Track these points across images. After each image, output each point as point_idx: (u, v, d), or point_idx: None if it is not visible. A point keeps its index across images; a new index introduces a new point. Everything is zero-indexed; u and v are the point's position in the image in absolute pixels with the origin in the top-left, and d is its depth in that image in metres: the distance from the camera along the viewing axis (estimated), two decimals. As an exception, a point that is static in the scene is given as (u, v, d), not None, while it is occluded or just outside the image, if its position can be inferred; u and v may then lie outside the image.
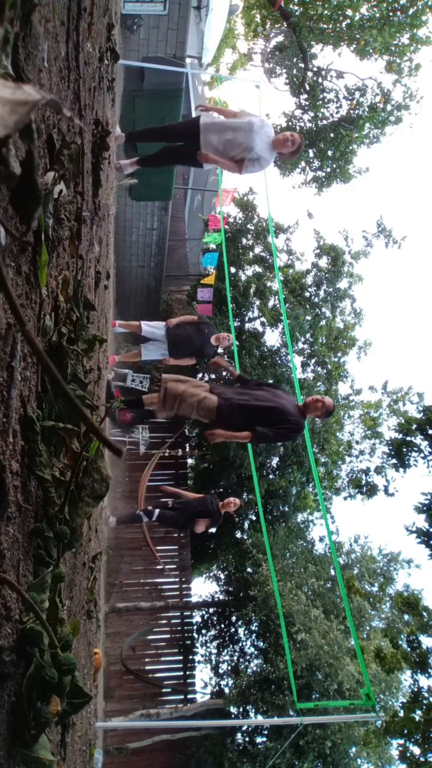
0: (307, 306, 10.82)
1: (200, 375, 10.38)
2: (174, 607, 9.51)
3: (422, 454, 6.64)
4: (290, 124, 11.86)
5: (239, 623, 9.43)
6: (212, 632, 9.93)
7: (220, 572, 11.08)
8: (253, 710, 7.88)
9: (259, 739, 8.13)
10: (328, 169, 11.76)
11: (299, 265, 11.71)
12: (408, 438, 6.71)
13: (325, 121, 11.48)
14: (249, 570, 9.33)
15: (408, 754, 5.38)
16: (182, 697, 8.94)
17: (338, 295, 11.16)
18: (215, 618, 10.01)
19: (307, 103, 11.57)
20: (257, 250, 11.51)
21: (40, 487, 1.34)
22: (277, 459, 10.45)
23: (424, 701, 5.51)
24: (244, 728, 8.21)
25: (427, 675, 5.71)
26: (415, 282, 65.17)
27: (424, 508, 5.94)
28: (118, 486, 9.58)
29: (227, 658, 9.59)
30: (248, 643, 9.47)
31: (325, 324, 10.84)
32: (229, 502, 7.23)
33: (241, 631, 9.60)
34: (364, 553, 10.67)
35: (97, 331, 3.07)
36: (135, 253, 11.01)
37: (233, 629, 9.76)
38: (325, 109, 11.53)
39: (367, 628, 9.07)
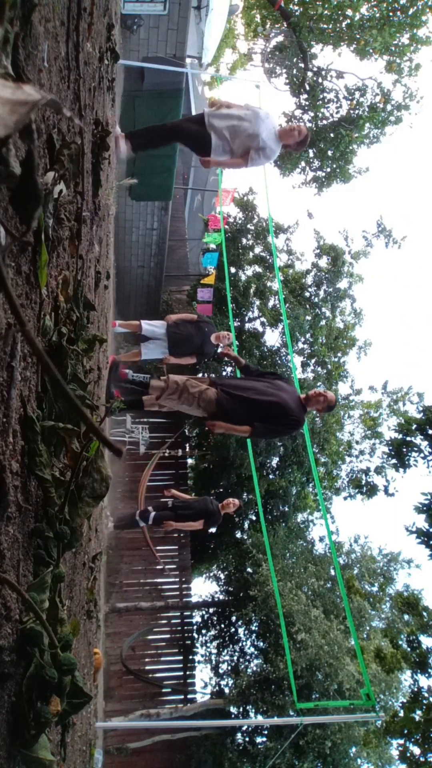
0: (307, 306, 10.82)
1: (201, 374, 10.38)
2: (174, 607, 9.51)
3: (422, 454, 6.63)
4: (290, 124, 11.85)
5: (239, 623, 9.43)
6: (212, 632, 9.94)
7: (220, 572, 11.08)
8: (253, 710, 7.89)
9: (259, 739, 8.13)
10: (328, 169, 11.76)
11: (299, 265, 11.73)
12: (408, 438, 6.70)
13: (325, 121, 11.48)
14: (249, 570, 9.33)
15: (408, 754, 5.38)
16: (182, 697, 8.94)
17: (338, 295, 11.16)
18: (215, 618, 10.01)
19: (307, 103, 11.57)
20: (257, 250, 11.52)
21: (40, 487, 1.34)
22: (277, 459, 10.45)
23: (424, 701, 5.50)
24: (244, 728, 8.22)
25: (427, 675, 5.71)
26: (415, 282, 65.19)
27: (424, 508, 5.94)
28: (118, 486, 9.58)
29: (227, 658, 9.59)
30: (248, 643, 9.48)
31: (325, 324, 10.84)
32: (228, 503, 7.24)
33: (241, 631, 9.61)
34: (364, 553, 10.67)
35: (97, 331, 3.07)
36: (135, 253, 11.01)
37: (233, 629, 9.76)
38: (325, 109, 11.54)
39: (367, 628, 9.07)
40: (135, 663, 8.88)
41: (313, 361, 10.95)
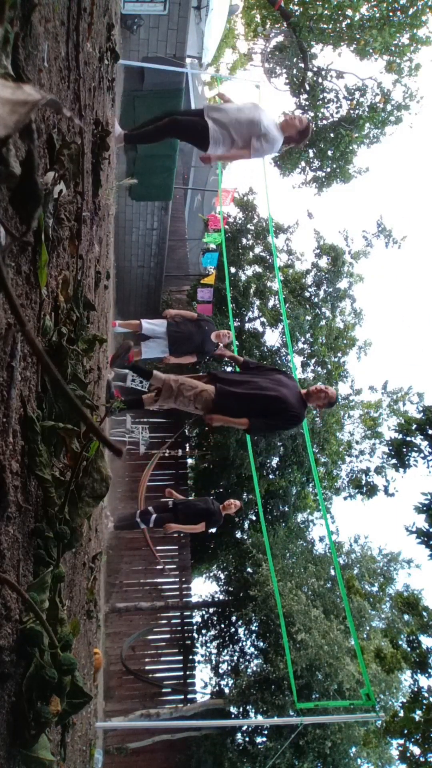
0: (307, 306, 10.82)
1: (201, 373, 10.38)
2: (174, 607, 9.51)
3: (422, 454, 6.63)
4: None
5: (239, 623, 9.43)
6: (212, 632, 9.94)
7: (220, 572, 11.08)
8: (253, 710, 7.89)
9: (259, 739, 8.13)
10: (328, 169, 11.76)
11: (299, 265, 11.73)
12: (408, 438, 6.70)
13: (325, 121, 11.48)
14: (249, 570, 9.33)
15: (408, 754, 5.38)
16: (182, 697, 8.94)
17: (338, 295, 11.16)
18: (215, 618, 10.01)
19: (307, 103, 11.56)
20: (257, 250, 11.52)
21: (40, 487, 1.34)
22: (277, 459, 10.46)
23: (424, 701, 5.50)
24: (244, 728, 8.22)
25: (427, 675, 5.71)
26: (415, 282, 65.20)
27: (424, 508, 5.94)
28: (118, 486, 9.58)
29: (227, 658, 9.59)
30: (248, 643, 9.49)
31: (325, 324, 10.84)
32: (229, 504, 7.25)
33: (241, 631, 9.61)
34: (364, 553, 10.67)
35: (97, 331, 3.07)
36: (135, 253, 11.01)
37: (233, 629, 9.76)
38: (325, 109, 11.54)
39: (367, 628, 9.07)
40: (135, 663, 8.88)
41: (313, 361, 10.96)
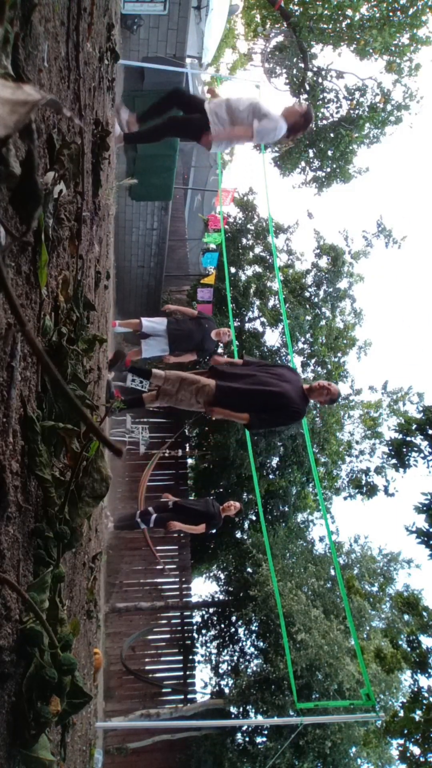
0: (307, 306, 10.82)
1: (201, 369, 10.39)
2: (174, 607, 9.51)
3: (422, 454, 6.64)
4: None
5: (239, 623, 9.43)
6: (212, 632, 9.94)
7: (220, 572, 11.08)
8: (253, 710, 7.89)
9: (259, 739, 8.13)
10: (328, 169, 11.76)
11: (299, 265, 11.73)
12: (408, 438, 6.70)
13: (325, 121, 11.48)
14: (249, 570, 9.33)
15: (408, 754, 5.38)
16: (182, 697, 8.94)
17: (338, 295, 11.16)
18: (215, 618, 10.01)
19: (307, 103, 11.56)
20: (257, 250, 11.52)
21: (40, 487, 1.34)
22: (277, 459, 10.45)
23: (424, 701, 5.50)
24: (244, 728, 8.22)
25: (427, 675, 5.71)
26: (415, 282, 65.19)
27: (424, 508, 5.94)
28: (118, 486, 9.58)
29: (227, 658, 9.59)
30: (248, 643, 9.48)
31: (325, 324, 10.84)
32: (229, 506, 7.25)
33: (241, 631, 9.61)
34: (364, 553, 10.67)
35: (97, 331, 3.07)
36: (135, 253, 11.02)
37: (233, 629, 9.76)
38: (325, 109, 11.54)
39: (367, 628, 9.07)
40: (135, 663, 8.88)
41: (313, 361, 10.95)
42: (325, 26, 10.93)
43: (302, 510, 10.77)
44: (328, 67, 11.55)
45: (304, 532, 10.92)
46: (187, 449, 11.39)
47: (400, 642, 6.23)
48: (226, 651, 9.65)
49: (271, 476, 10.43)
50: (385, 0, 10.34)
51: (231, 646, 9.69)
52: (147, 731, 8.17)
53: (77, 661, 1.49)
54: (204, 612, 10.17)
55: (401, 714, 5.54)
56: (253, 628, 8.95)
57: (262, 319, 10.90)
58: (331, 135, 11.18)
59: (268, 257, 11.27)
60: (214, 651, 9.70)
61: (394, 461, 6.97)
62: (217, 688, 9.30)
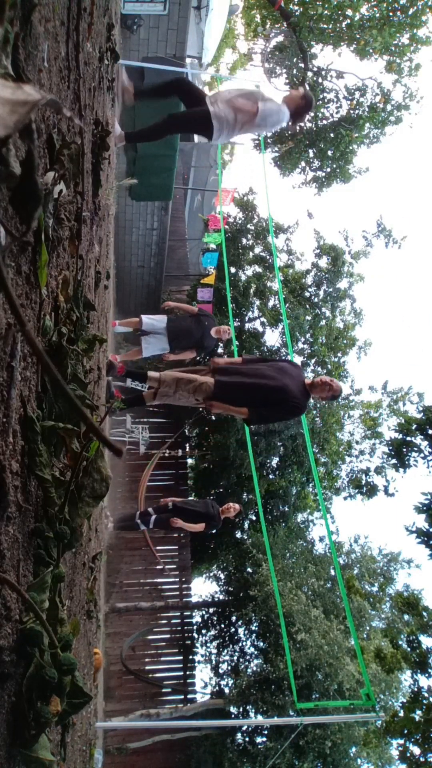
0: (307, 306, 10.82)
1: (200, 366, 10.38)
2: (174, 607, 9.51)
3: (422, 454, 6.63)
4: (289, 123, 11.85)
5: (239, 623, 9.43)
6: (212, 632, 9.94)
7: (220, 572, 11.08)
8: (253, 710, 7.89)
9: (259, 739, 8.13)
10: (328, 169, 11.76)
11: (299, 265, 11.72)
12: (408, 438, 6.70)
13: (325, 121, 11.48)
14: (249, 570, 9.33)
15: (408, 754, 5.38)
16: (182, 697, 8.94)
17: (338, 295, 11.16)
18: (215, 618, 10.01)
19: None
20: (257, 250, 11.52)
21: (40, 487, 1.34)
22: (277, 459, 10.45)
23: (424, 701, 5.50)
24: (244, 728, 8.22)
25: (427, 675, 5.70)
26: (415, 282, 65.19)
27: (424, 508, 5.93)
28: (118, 486, 9.58)
29: (227, 658, 9.59)
30: (248, 643, 9.48)
31: (325, 324, 10.84)
32: (229, 508, 7.26)
33: (241, 631, 9.61)
34: (364, 553, 10.67)
35: (97, 331, 3.07)
36: (135, 253, 11.02)
37: (233, 629, 9.76)
38: (325, 109, 11.53)
39: (367, 628, 9.07)
40: (135, 663, 8.88)
41: (313, 361, 10.95)
42: (325, 26, 10.92)
43: (302, 510, 10.77)
44: (328, 67, 11.54)
45: (304, 532, 10.92)
46: (187, 449, 11.39)
47: (400, 642, 6.23)
48: (226, 651, 9.65)
49: (271, 476, 10.42)
50: (385, 0, 10.34)
51: (231, 646, 9.69)
52: (147, 731, 8.17)
53: (77, 661, 1.49)
54: (204, 612, 10.17)
55: (401, 714, 5.54)
56: (253, 628, 8.95)
57: (262, 319, 10.90)
58: (331, 135, 11.18)
59: (268, 257, 11.26)
60: (214, 651, 9.70)
61: (394, 461, 6.96)
62: (217, 688, 9.30)
